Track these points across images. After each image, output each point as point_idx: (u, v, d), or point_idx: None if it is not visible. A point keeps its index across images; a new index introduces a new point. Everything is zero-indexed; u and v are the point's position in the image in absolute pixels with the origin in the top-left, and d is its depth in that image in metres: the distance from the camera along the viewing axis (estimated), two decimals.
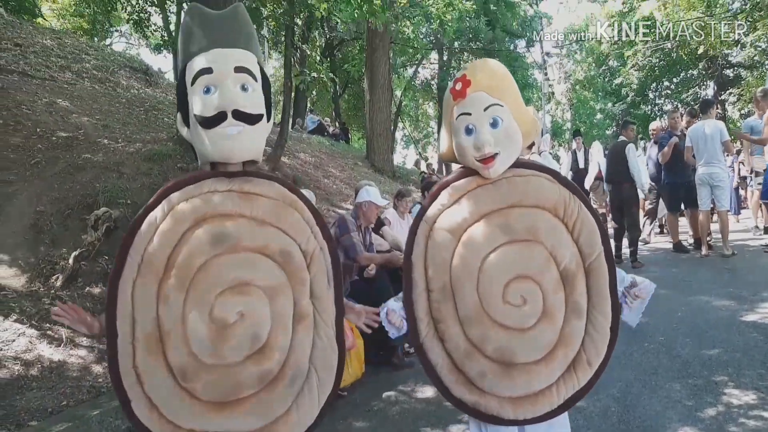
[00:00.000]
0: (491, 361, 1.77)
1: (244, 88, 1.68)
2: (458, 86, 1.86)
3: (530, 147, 7.83)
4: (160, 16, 18.46)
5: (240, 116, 1.64)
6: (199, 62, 1.69)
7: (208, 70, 1.67)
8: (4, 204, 4.71)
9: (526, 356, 1.75)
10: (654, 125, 8.44)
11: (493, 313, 1.75)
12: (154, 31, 15.50)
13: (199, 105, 1.66)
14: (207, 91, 1.66)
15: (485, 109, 1.80)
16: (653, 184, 8.34)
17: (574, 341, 1.79)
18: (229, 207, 1.66)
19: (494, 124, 1.80)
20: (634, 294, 1.88)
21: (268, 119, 1.79)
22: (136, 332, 1.61)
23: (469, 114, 1.82)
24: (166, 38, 16.98)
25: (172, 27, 19.08)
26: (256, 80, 1.72)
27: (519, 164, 1.89)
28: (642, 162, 8.04)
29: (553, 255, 1.78)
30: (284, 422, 1.65)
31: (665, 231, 9.58)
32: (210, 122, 1.64)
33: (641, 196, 7.73)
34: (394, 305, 1.92)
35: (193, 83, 1.68)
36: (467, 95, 1.83)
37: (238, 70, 1.69)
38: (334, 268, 1.77)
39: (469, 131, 1.82)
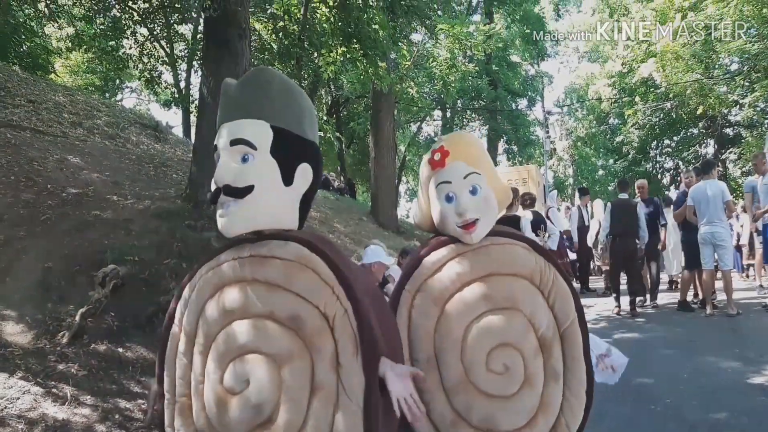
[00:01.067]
0: (476, 431, 1.77)
1: (244, 160, 1.65)
2: (437, 156, 1.92)
3: (530, 205, 7.96)
4: (171, 74, 19.00)
5: (229, 192, 1.63)
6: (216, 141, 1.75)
7: (215, 149, 1.70)
8: (13, 260, 4.76)
9: (511, 423, 1.76)
10: (639, 183, 8.62)
11: (477, 381, 1.76)
12: (165, 88, 15.93)
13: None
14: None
15: (464, 177, 1.86)
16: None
17: (553, 406, 1.81)
18: (243, 273, 1.64)
19: (473, 192, 1.85)
20: (606, 364, 1.93)
21: (288, 181, 1.72)
22: (176, 395, 1.67)
23: (449, 182, 1.87)
24: (176, 95, 17.45)
25: (182, 84, 19.66)
26: (255, 147, 1.66)
27: (496, 232, 1.93)
28: None
29: (532, 322, 1.81)
30: None
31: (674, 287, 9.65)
32: (212, 200, 1.67)
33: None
34: None
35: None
36: (446, 164, 1.89)
37: (234, 143, 1.66)
38: (361, 332, 1.59)
39: (449, 199, 1.87)
